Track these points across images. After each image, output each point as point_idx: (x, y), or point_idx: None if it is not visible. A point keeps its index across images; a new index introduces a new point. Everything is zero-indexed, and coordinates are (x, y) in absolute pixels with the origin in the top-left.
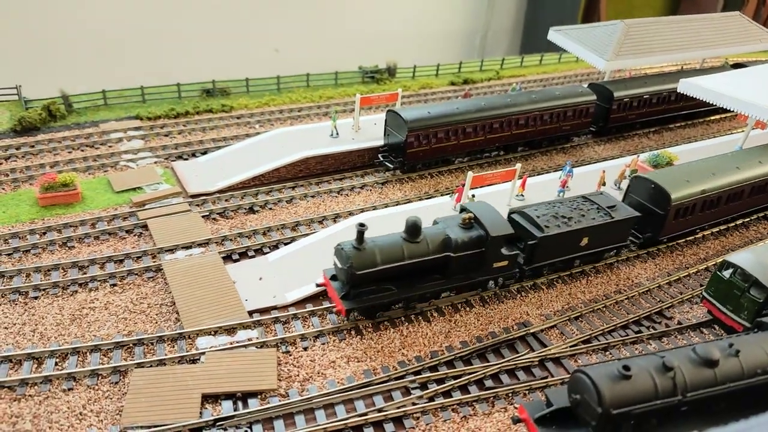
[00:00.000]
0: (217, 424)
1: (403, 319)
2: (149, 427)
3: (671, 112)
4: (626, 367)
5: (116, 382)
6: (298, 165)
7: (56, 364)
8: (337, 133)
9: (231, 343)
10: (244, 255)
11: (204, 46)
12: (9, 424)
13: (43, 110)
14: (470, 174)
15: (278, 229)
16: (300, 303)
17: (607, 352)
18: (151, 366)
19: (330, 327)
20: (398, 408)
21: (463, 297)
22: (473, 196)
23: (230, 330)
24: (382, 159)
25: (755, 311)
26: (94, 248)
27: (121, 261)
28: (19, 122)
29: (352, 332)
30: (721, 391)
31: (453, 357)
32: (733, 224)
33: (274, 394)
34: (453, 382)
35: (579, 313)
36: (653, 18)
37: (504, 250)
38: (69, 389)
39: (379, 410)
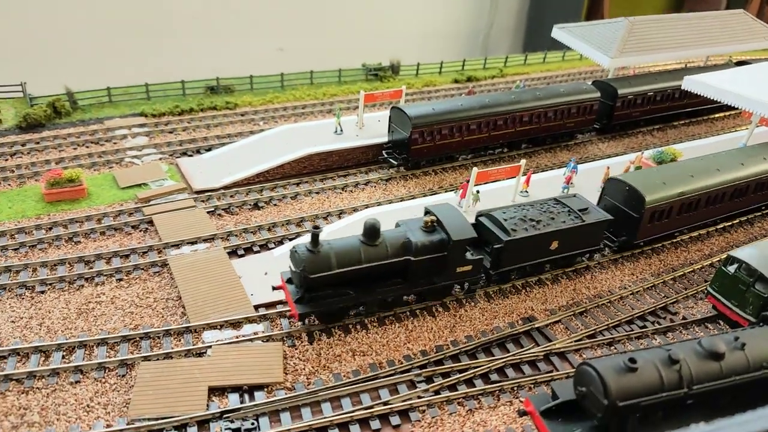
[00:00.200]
0: (224, 416)
1: (408, 313)
2: (157, 419)
3: (675, 109)
4: (632, 360)
5: (123, 375)
6: (303, 162)
7: (63, 357)
8: (341, 130)
9: (237, 337)
10: (249, 250)
11: (208, 44)
12: (17, 416)
13: (48, 107)
14: (475, 170)
15: (283, 224)
16: None
17: (612, 347)
18: (157, 359)
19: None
20: (404, 401)
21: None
22: (478, 192)
23: (236, 324)
24: (386, 156)
25: (760, 306)
26: (100, 243)
27: (127, 256)
28: (24, 119)
29: (358, 327)
30: (727, 384)
31: (458, 351)
32: (737, 221)
33: (280, 387)
34: (458, 375)
35: (584, 309)
36: (657, 15)
37: (468, 255)
38: (76, 382)
39: (385, 403)
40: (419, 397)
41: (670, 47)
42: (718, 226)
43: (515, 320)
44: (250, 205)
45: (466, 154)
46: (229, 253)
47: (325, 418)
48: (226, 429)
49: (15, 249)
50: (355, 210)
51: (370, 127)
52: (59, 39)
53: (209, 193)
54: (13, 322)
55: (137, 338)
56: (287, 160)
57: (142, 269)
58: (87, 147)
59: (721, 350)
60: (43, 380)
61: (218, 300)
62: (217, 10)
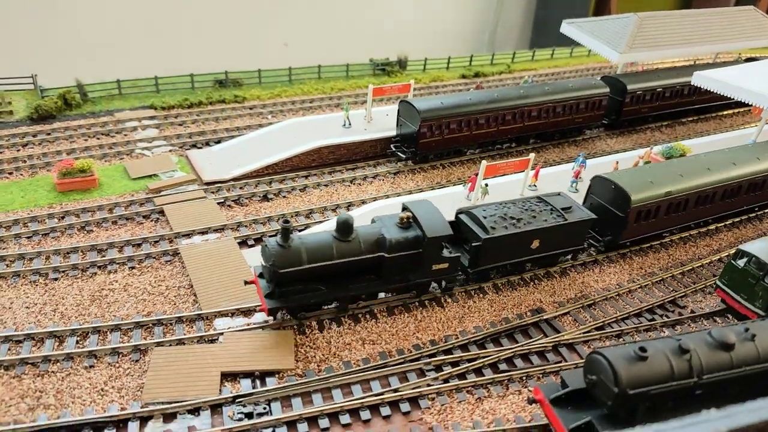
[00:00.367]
0: (237, 400)
1: (417, 303)
2: (170, 402)
3: (684, 105)
4: (643, 349)
5: (137, 360)
6: (311, 154)
7: (77, 342)
8: (350, 124)
9: (248, 325)
10: (259, 241)
11: (216, 37)
12: (34, 398)
13: (59, 99)
14: (484, 163)
15: (292, 216)
16: None
17: (621, 339)
18: (170, 345)
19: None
20: (414, 389)
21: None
22: (486, 185)
23: (247, 312)
24: (394, 149)
25: None
26: (111, 232)
27: (139, 245)
28: (36, 110)
29: (367, 316)
30: (737, 375)
31: (467, 341)
32: (744, 218)
33: (291, 374)
34: (467, 365)
35: (592, 301)
36: (666, 11)
37: (446, 252)
38: (90, 366)
39: (395, 390)
40: (429, 385)
41: (679, 43)
42: (727, 222)
43: (524, 312)
44: (259, 196)
45: (474, 148)
46: (239, 244)
47: (335, 403)
48: (238, 413)
49: (28, 237)
50: (363, 202)
51: (379, 121)
52: (69, 32)
53: (219, 185)
54: (27, 307)
55: (150, 324)
56: (296, 153)
57: (154, 258)
58: (98, 138)
59: (731, 341)
60: (58, 364)
61: (229, 288)
62: (226, 4)
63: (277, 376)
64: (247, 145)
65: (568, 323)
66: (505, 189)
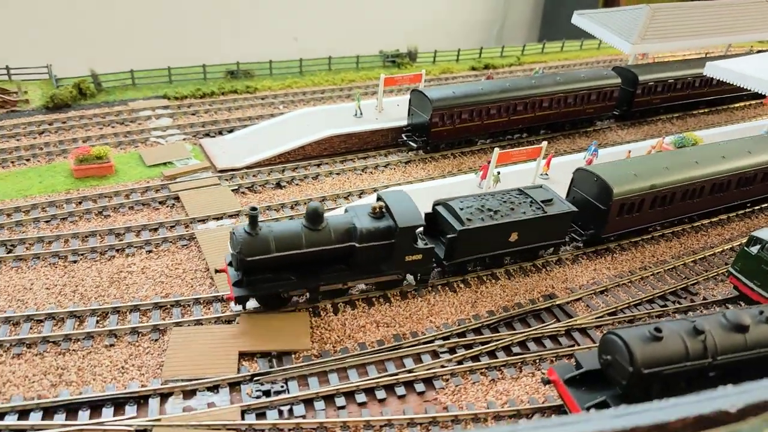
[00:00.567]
0: (255, 379)
1: (430, 288)
2: (189, 380)
3: (695, 97)
4: (658, 329)
5: (156, 340)
6: (323, 143)
7: (97, 322)
8: (361, 113)
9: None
10: None
11: (228, 29)
12: (56, 375)
13: (74, 88)
14: (497, 150)
15: (305, 203)
16: None
17: (633, 324)
18: (188, 325)
19: (358, 294)
20: (428, 370)
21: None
22: (498, 173)
23: None
24: (405, 138)
25: None
26: (128, 217)
27: (156, 229)
28: (51, 99)
29: (381, 300)
30: (751, 356)
31: (480, 324)
32: (756, 208)
33: (307, 354)
34: (481, 347)
35: (604, 287)
36: (678, 3)
37: (420, 244)
38: (111, 345)
39: (410, 371)
40: (443, 367)
41: (691, 35)
42: (739, 212)
43: (536, 297)
44: (272, 184)
45: (484, 138)
46: None
47: (351, 383)
48: (256, 391)
49: (47, 221)
50: (375, 190)
51: (389, 111)
52: (82, 22)
53: (232, 172)
54: (47, 288)
55: (168, 305)
56: (308, 142)
57: (171, 242)
58: (112, 127)
59: (746, 323)
60: (79, 343)
61: None
62: None
63: (293, 356)
64: (260, 133)
65: (581, 309)
66: (516, 177)
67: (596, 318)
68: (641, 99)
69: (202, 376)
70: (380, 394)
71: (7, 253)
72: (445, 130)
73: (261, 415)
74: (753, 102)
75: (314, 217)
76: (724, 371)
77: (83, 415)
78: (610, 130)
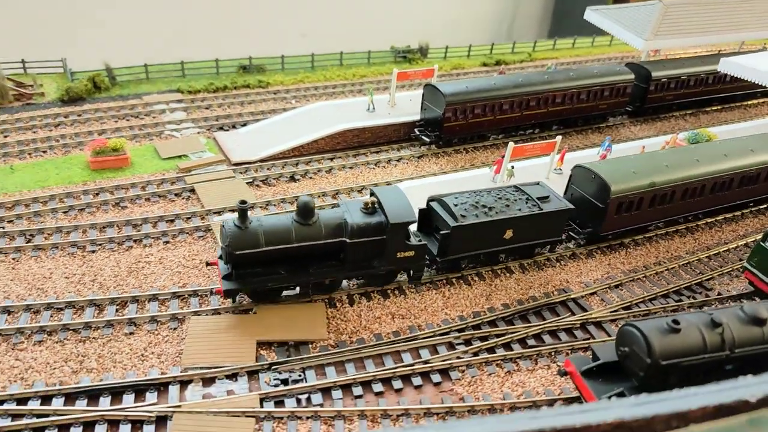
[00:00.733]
0: (273, 367)
1: (444, 281)
2: (209, 368)
3: (709, 94)
4: (676, 321)
5: (175, 328)
6: (336, 137)
7: (117, 310)
8: (374, 108)
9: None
10: None
11: (240, 24)
12: (76, 362)
13: (89, 82)
14: (511, 144)
15: (319, 196)
16: None
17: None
18: (206, 315)
19: (373, 286)
20: (444, 361)
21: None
22: (512, 167)
23: None
24: (418, 133)
25: None
26: (145, 209)
27: (172, 221)
28: (66, 92)
29: (396, 292)
30: None
31: (495, 317)
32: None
33: (324, 344)
34: (496, 339)
35: (619, 282)
36: None
37: (412, 240)
38: (130, 333)
39: (426, 362)
40: (458, 358)
41: (705, 31)
42: (753, 208)
43: (550, 291)
44: (286, 177)
45: (497, 133)
46: None
47: (368, 372)
48: (274, 379)
49: (65, 212)
50: (388, 184)
51: (402, 106)
52: (96, 16)
53: (247, 166)
54: (66, 278)
55: (186, 295)
56: (321, 136)
57: (187, 233)
58: (127, 120)
59: (763, 316)
60: (99, 331)
61: None
62: None
63: (310, 345)
64: (274, 127)
65: (595, 303)
66: (530, 172)
67: (611, 312)
68: (654, 95)
69: (220, 364)
70: (397, 384)
71: (26, 243)
72: (458, 125)
73: (279, 403)
74: (766, 99)
75: (305, 212)
76: (742, 364)
77: (104, 401)
78: (623, 126)
